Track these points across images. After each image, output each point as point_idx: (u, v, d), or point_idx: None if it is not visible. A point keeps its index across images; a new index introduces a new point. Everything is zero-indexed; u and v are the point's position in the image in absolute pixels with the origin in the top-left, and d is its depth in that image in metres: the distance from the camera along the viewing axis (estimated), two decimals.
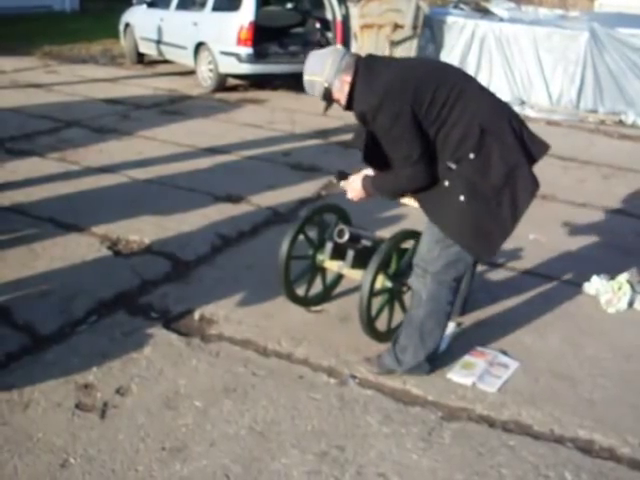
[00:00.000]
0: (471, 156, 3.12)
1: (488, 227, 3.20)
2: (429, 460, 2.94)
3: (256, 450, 2.96)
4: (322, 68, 3.24)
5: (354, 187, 3.53)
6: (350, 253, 3.82)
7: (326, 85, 3.24)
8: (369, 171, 3.56)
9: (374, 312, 3.68)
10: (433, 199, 3.25)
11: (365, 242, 3.83)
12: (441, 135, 3.15)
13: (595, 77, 9.83)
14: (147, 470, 2.83)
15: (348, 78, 3.23)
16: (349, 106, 3.30)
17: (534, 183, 3.22)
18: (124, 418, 3.13)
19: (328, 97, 3.30)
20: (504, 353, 3.75)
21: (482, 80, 10.29)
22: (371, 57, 3.34)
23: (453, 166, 3.15)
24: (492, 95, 3.36)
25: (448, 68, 3.45)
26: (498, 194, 3.15)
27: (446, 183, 3.18)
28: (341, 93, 3.26)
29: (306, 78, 3.31)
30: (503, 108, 3.31)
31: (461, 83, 3.22)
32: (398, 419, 3.19)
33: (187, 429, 3.08)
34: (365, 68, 3.22)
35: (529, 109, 9.91)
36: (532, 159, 3.25)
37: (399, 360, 3.49)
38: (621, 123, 9.61)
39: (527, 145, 3.23)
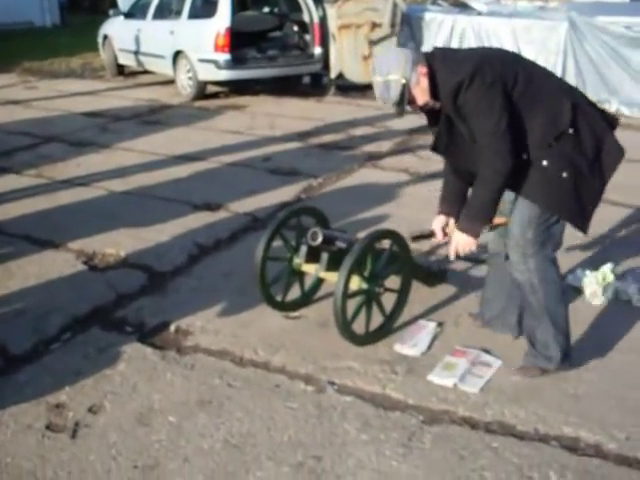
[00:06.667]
0: (570, 131, 3.14)
1: (586, 199, 3.26)
2: (409, 466, 2.85)
3: (231, 464, 2.87)
4: (397, 65, 3.09)
5: (460, 241, 3.34)
6: (324, 256, 3.75)
7: (404, 82, 3.09)
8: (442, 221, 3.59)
9: (351, 314, 3.60)
10: (531, 181, 3.19)
11: (340, 244, 3.76)
12: (532, 113, 3.13)
13: (576, 66, 9.76)
14: None
15: (424, 69, 3.13)
16: (433, 96, 3.17)
17: (619, 150, 3.28)
18: (96, 437, 3.04)
19: (404, 96, 3.13)
20: (486, 351, 3.66)
21: None
22: (437, 48, 3.32)
23: (554, 143, 3.14)
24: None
25: (511, 52, 3.50)
26: (592, 166, 3.21)
27: (544, 163, 3.15)
28: (419, 87, 3.13)
29: (379, 80, 3.13)
30: (568, 83, 3.45)
31: (531, 62, 3.30)
32: (377, 425, 3.10)
33: (160, 445, 2.99)
34: (440, 55, 3.21)
35: None
36: (612, 127, 3.31)
37: (549, 357, 3.39)
38: None
39: (605, 113, 3.33)
